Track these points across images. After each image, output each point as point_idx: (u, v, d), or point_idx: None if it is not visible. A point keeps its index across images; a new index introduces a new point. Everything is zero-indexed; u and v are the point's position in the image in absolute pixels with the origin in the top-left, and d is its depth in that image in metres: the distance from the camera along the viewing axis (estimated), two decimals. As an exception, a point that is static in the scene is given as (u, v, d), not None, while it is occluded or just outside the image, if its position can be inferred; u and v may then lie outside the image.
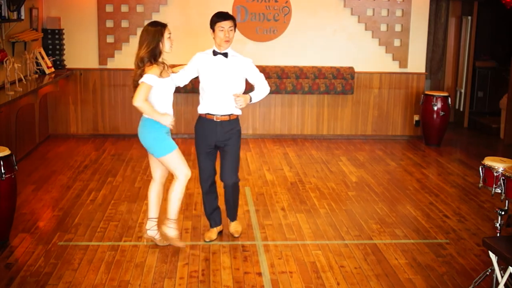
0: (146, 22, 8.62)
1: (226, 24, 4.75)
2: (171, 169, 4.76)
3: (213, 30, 4.80)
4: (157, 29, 4.59)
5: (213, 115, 4.87)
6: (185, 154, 7.93)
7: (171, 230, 4.79)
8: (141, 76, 4.55)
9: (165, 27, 4.63)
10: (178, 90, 8.90)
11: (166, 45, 4.63)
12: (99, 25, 8.61)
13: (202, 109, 4.93)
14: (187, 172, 4.78)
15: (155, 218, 4.92)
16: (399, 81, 9.14)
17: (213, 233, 5.10)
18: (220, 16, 4.80)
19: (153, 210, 4.92)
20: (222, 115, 4.87)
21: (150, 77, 4.51)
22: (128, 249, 4.83)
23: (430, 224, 5.58)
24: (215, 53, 4.85)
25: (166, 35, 4.61)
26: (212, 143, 4.94)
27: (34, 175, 6.80)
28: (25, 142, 7.56)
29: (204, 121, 4.92)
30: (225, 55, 4.84)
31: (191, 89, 8.62)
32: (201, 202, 5.98)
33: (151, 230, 4.89)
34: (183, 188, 4.80)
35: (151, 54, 4.55)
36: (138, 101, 4.53)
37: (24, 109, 7.38)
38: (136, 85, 4.60)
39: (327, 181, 6.86)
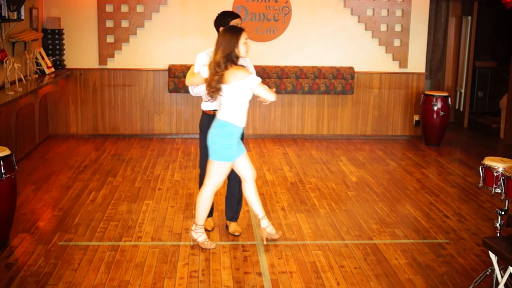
0: (146, 22, 8.74)
1: (239, 21, 4.93)
2: (208, 173, 4.80)
3: None
4: (233, 35, 4.63)
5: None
6: (185, 154, 7.98)
7: (198, 235, 4.88)
8: (219, 82, 4.60)
9: (241, 32, 4.66)
10: (178, 89, 8.97)
11: (241, 50, 4.65)
12: (99, 25, 8.61)
13: (209, 106, 4.98)
14: (218, 184, 4.84)
15: (264, 215, 4.97)
16: (399, 81, 9.14)
17: (212, 222, 5.27)
18: (232, 15, 4.95)
19: (258, 209, 4.97)
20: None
21: (254, 76, 4.64)
22: (128, 249, 4.83)
23: (430, 224, 5.58)
24: None
25: (242, 40, 4.63)
26: None
27: (34, 175, 6.80)
28: (25, 142, 7.56)
29: (212, 118, 4.91)
30: None
31: (191, 89, 8.63)
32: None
33: (268, 227, 4.97)
34: (209, 196, 4.83)
35: (227, 59, 4.59)
36: (271, 96, 4.69)
37: (24, 109, 7.38)
38: (212, 90, 4.64)
39: (327, 181, 6.86)
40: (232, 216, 5.23)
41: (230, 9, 8.59)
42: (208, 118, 4.99)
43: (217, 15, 5.04)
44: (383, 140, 9.11)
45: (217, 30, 4.97)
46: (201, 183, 5.11)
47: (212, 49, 4.91)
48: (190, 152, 8.06)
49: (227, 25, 4.87)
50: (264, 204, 5.99)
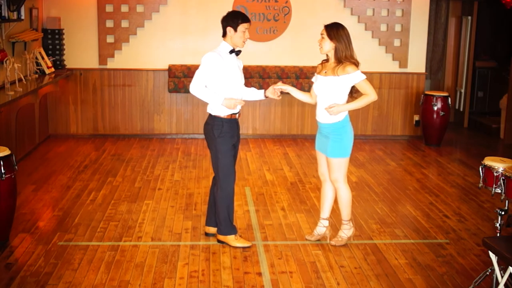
0: (146, 22, 8.74)
1: (248, 26, 4.81)
2: (334, 171, 4.86)
3: (235, 30, 4.73)
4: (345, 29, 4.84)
5: (236, 113, 4.86)
6: (185, 154, 7.98)
7: (348, 231, 5.02)
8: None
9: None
10: (178, 89, 8.97)
11: None
12: (99, 25, 8.61)
13: (226, 111, 4.79)
14: (345, 178, 4.93)
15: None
16: (399, 81, 9.14)
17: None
18: (244, 18, 4.79)
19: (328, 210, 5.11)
20: (238, 113, 4.88)
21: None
22: (128, 249, 4.83)
23: (430, 224, 5.58)
24: (231, 51, 4.81)
25: None
26: (236, 143, 4.96)
27: (34, 175, 6.80)
28: (25, 142, 7.56)
29: (230, 122, 4.81)
30: (238, 53, 4.86)
31: (191, 89, 8.63)
32: (201, 202, 5.99)
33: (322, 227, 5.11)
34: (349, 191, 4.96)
35: None
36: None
37: (24, 109, 7.38)
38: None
39: (327, 181, 6.84)
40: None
41: (230, 9, 8.59)
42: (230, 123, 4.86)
43: (227, 13, 4.83)
44: (383, 140, 9.11)
45: (225, 28, 4.76)
46: (232, 187, 4.92)
47: (220, 49, 4.78)
48: (190, 152, 8.06)
49: (236, 27, 4.72)
50: (264, 204, 5.99)
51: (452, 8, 10.37)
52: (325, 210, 5.07)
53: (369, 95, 4.72)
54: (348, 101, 4.83)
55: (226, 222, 4.90)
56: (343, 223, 5.01)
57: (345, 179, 4.92)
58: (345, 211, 4.96)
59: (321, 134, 4.92)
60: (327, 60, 4.88)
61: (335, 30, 4.75)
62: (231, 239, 4.90)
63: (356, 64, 4.73)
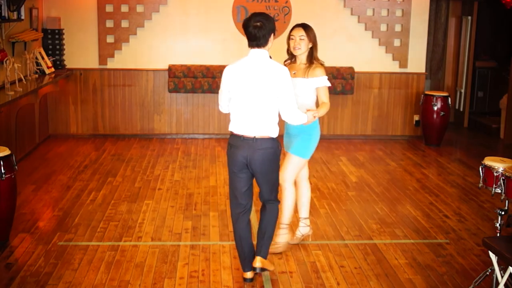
0: (146, 22, 8.74)
1: None
2: (288, 169, 4.74)
3: (275, 34, 4.36)
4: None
5: None
6: (185, 154, 7.99)
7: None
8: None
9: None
10: (178, 89, 8.96)
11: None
12: (99, 25, 8.61)
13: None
14: (294, 180, 4.87)
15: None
16: (399, 81, 9.14)
17: None
18: None
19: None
20: None
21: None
22: (128, 249, 4.83)
23: (430, 224, 5.58)
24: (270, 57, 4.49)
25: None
26: None
27: (34, 175, 6.80)
28: (25, 142, 7.56)
29: None
30: None
31: (191, 89, 8.63)
32: (201, 202, 6.00)
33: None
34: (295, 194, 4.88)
35: None
36: None
37: (24, 109, 7.38)
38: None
39: (327, 181, 6.85)
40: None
41: (230, 9, 8.61)
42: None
43: (263, 21, 4.24)
44: (383, 140, 9.11)
45: (268, 37, 4.24)
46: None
47: (267, 57, 4.38)
48: (190, 152, 8.06)
49: (275, 31, 4.32)
50: (264, 204, 5.98)
51: (452, 8, 10.37)
52: (303, 210, 5.03)
53: (327, 104, 4.77)
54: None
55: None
56: (281, 227, 4.78)
57: (293, 181, 4.78)
58: (288, 214, 4.78)
59: (289, 134, 4.88)
60: (292, 61, 4.82)
61: (312, 31, 4.77)
62: (270, 263, 4.50)
63: (323, 65, 4.76)
